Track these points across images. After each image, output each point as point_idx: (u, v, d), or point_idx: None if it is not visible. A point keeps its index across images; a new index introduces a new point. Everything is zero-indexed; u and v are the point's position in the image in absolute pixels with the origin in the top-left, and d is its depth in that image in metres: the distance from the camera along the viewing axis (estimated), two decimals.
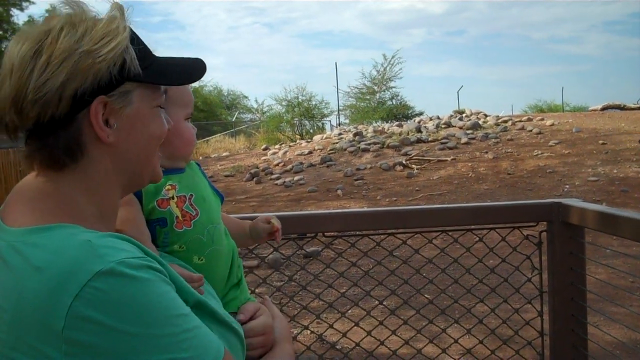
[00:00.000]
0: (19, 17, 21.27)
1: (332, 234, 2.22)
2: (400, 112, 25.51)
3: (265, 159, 15.75)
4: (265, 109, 31.74)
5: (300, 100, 25.78)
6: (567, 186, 10.41)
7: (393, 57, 27.01)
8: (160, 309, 0.78)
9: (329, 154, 14.60)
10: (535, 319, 2.20)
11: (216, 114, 34.00)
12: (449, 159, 13.02)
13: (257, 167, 14.44)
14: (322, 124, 26.78)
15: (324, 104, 26.46)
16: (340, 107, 27.35)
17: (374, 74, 27.18)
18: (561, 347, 2.10)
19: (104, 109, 0.86)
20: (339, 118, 27.00)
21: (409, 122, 19.06)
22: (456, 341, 2.27)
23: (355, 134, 16.18)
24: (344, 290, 2.23)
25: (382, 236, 2.22)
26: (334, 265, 2.29)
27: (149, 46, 0.95)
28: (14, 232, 0.84)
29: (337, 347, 3.65)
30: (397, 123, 18.99)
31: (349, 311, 3.19)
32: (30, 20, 21.93)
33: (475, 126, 15.74)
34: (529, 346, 2.22)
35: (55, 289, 0.74)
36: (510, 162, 12.40)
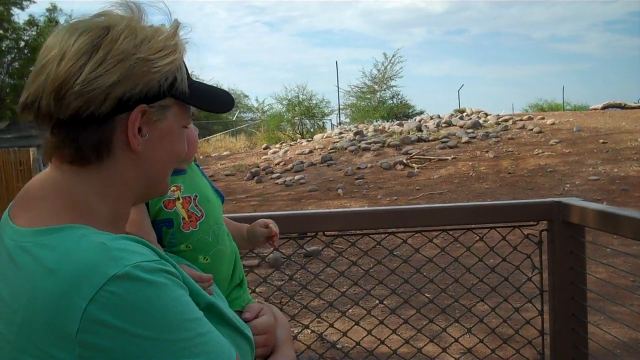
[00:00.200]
0: (20, 16, 21.31)
1: (333, 233, 2.22)
2: (401, 111, 25.46)
3: (265, 158, 15.76)
4: (265, 108, 31.72)
5: (300, 99, 25.76)
6: (568, 185, 10.41)
7: (394, 56, 26.94)
8: (175, 314, 0.78)
9: (330, 153, 14.60)
10: (535, 318, 2.19)
11: (217, 113, 33.82)
12: (449, 158, 13.02)
13: (258, 166, 14.45)
14: (323, 123, 26.77)
15: (324, 103, 26.44)
16: (341, 106, 27.34)
17: (375, 73, 27.15)
18: (562, 346, 2.10)
19: (141, 117, 0.87)
20: (339, 117, 26.99)
21: (409, 121, 19.05)
22: (456, 340, 2.27)
23: (356, 133, 16.18)
24: (344, 290, 2.23)
25: (383, 235, 2.22)
26: (334, 265, 2.29)
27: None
28: (23, 232, 0.83)
29: (338, 346, 3.65)
30: (397, 122, 18.98)
31: (350, 310, 3.19)
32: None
33: (476, 125, 15.73)
34: (529, 345, 2.22)
35: (68, 291, 0.73)
36: (511, 161, 12.40)
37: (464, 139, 14.38)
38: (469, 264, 2.25)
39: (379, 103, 26.38)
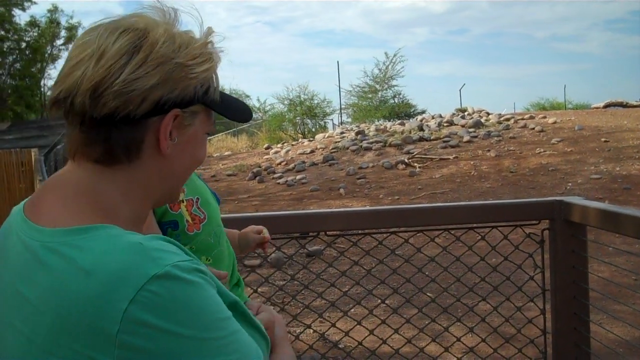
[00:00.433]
0: (21, 17, 21.34)
1: (335, 233, 2.22)
2: (403, 111, 25.43)
3: (267, 158, 15.76)
4: (267, 108, 31.70)
5: (302, 99, 25.75)
6: (570, 184, 10.40)
7: (395, 55, 26.87)
8: (212, 312, 0.78)
9: (331, 152, 14.60)
10: (537, 317, 2.19)
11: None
12: (451, 157, 13.01)
13: (260, 166, 14.45)
14: (324, 122, 26.77)
15: (326, 102, 26.45)
16: (343, 106, 27.31)
17: (376, 73, 27.12)
18: (564, 345, 2.10)
19: (173, 121, 0.87)
20: (341, 117, 26.97)
21: (411, 120, 19.03)
22: (459, 339, 2.27)
23: (358, 133, 16.18)
24: (346, 289, 2.24)
25: (384, 235, 2.22)
26: (336, 264, 2.29)
27: None
28: (49, 233, 0.82)
29: (340, 346, 3.65)
30: (399, 121, 18.97)
31: (352, 310, 3.19)
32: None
33: (478, 124, 15.72)
34: (531, 344, 2.22)
35: (108, 292, 0.73)
36: (513, 160, 12.39)
37: (466, 138, 14.36)
38: (470, 264, 2.25)
39: (380, 103, 26.34)
